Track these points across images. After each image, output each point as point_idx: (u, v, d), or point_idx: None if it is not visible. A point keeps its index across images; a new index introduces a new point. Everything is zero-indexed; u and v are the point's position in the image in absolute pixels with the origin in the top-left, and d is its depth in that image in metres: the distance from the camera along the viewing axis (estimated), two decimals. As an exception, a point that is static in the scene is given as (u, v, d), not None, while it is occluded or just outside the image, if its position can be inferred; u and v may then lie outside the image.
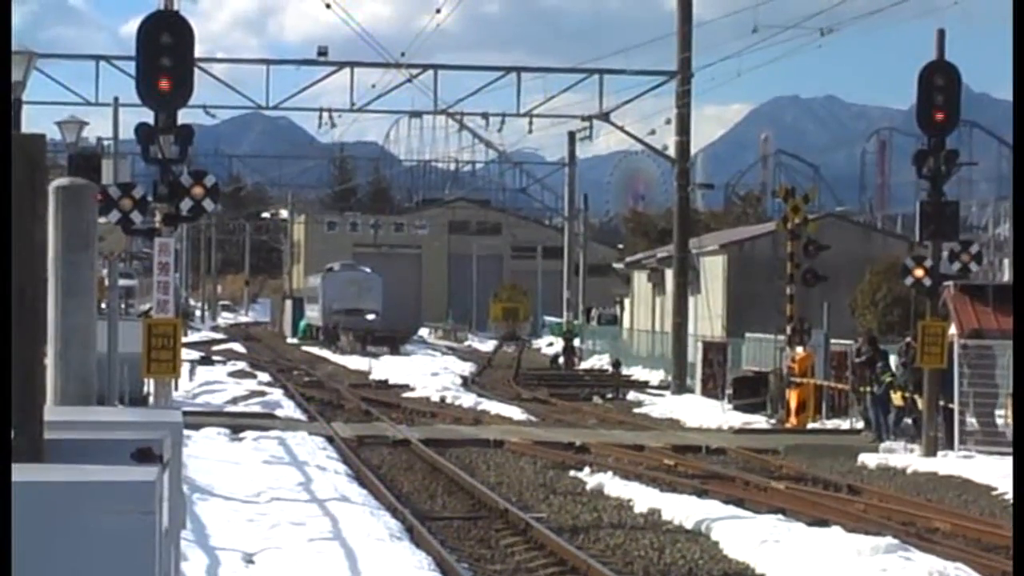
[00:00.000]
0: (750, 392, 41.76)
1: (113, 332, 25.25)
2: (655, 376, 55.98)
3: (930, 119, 30.62)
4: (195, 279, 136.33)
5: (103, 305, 26.11)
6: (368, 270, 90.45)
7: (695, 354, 49.80)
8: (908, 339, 34.15)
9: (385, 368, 60.25)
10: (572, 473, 26.77)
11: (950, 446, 30.57)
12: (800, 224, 41.29)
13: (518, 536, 19.64)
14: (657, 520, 21.18)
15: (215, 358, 64.25)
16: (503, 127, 57.16)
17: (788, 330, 40.35)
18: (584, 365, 66.98)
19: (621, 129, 56.15)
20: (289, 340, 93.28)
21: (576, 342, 69.10)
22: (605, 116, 53.27)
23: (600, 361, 67.52)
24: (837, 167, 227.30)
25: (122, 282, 57.64)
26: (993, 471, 26.45)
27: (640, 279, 79.69)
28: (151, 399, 28.79)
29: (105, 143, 59.92)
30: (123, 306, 53.16)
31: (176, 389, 35.03)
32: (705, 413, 41.10)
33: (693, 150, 55.87)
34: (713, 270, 65.95)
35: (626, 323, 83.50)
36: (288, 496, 21.80)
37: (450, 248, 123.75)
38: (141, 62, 24.44)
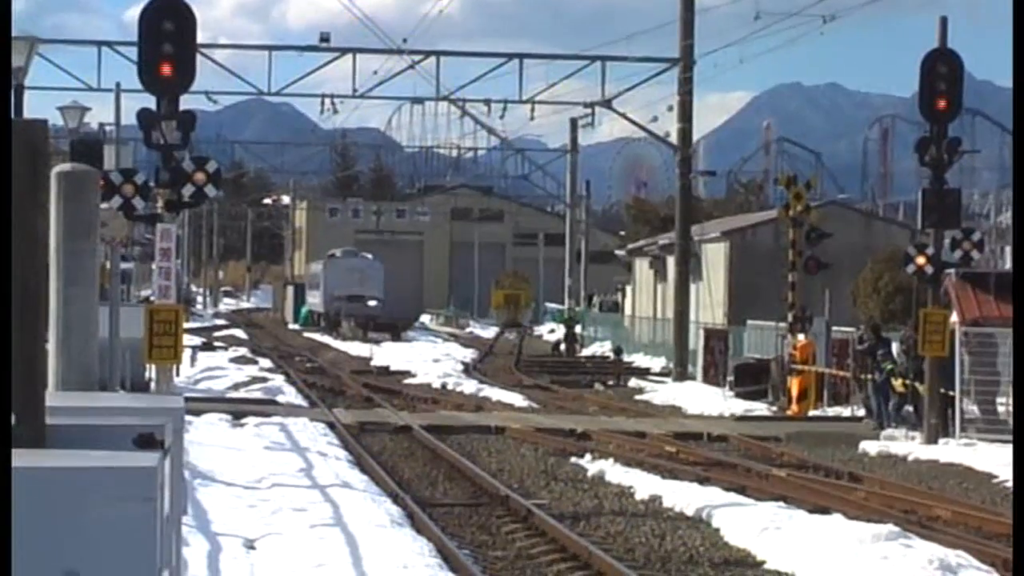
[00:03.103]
0: (751, 380, 41.77)
1: (115, 319, 25.29)
2: (656, 363, 56.00)
3: (932, 107, 30.61)
4: (197, 265, 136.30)
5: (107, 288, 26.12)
6: (370, 257, 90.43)
7: (696, 341, 49.80)
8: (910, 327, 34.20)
9: (386, 355, 60.27)
10: (573, 460, 26.79)
11: (951, 434, 30.58)
12: (802, 212, 41.28)
13: (519, 523, 19.66)
14: (658, 507, 21.20)
15: (216, 344, 64.27)
16: (505, 114, 57.06)
17: (789, 318, 40.36)
18: (585, 352, 67.00)
19: (623, 116, 56.11)
20: (291, 326, 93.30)
21: (577, 329, 69.09)
22: (607, 103, 53.23)
23: (602, 348, 67.55)
24: (839, 155, 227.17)
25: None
26: (994, 459, 26.47)
27: (642, 266, 79.66)
28: (152, 385, 28.81)
29: (107, 129, 59.95)
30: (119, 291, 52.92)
31: (177, 375, 35.06)
32: (706, 400, 41.11)
33: (695, 137, 55.88)
34: (715, 258, 65.94)
35: (627, 310, 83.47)
36: (289, 482, 21.82)
37: (452, 235, 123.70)
38: (143, 48, 24.44)
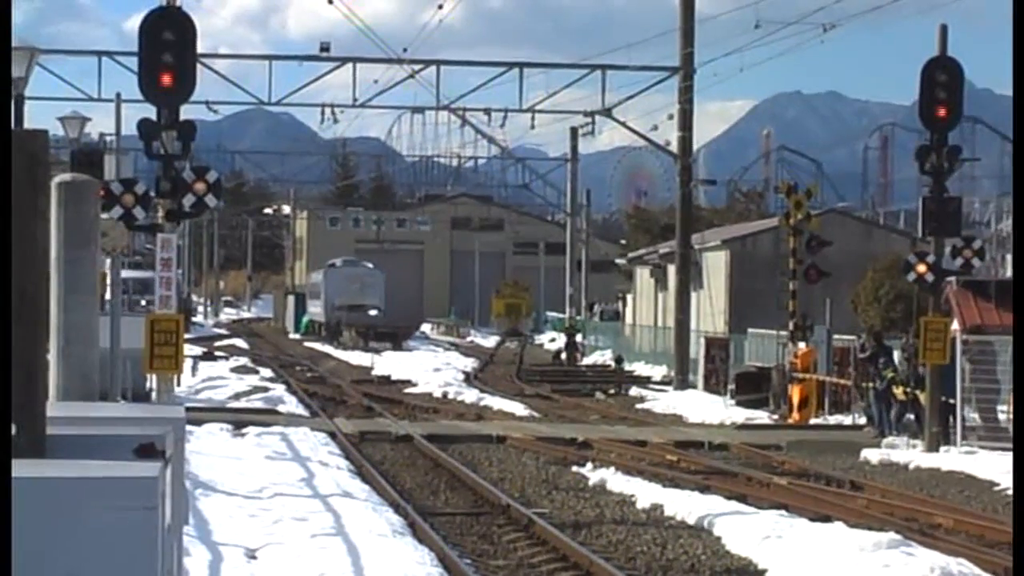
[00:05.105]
0: (752, 388, 41.77)
1: (115, 328, 25.30)
2: (657, 372, 56.00)
3: (932, 115, 30.61)
4: (197, 275, 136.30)
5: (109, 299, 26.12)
6: (370, 266, 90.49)
7: (697, 350, 49.81)
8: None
9: (387, 364, 60.27)
10: (574, 469, 26.78)
11: (952, 442, 30.56)
12: (802, 220, 41.27)
13: (520, 532, 19.65)
14: (659, 516, 21.19)
15: (217, 354, 64.27)
16: (505, 123, 57.22)
17: (790, 326, 40.35)
18: (586, 361, 66.99)
19: (623, 125, 56.20)
20: (291, 336, 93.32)
21: (578, 338, 69.10)
22: (608, 112, 53.26)
23: (602, 357, 67.55)
24: (839, 163, 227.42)
25: (136, 274, 57.30)
26: (995, 467, 26.44)
27: (642, 275, 79.70)
28: (153, 395, 28.80)
29: (107, 139, 59.91)
30: (143, 302, 52.83)
31: (178, 385, 35.03)
32: (707, 409, 41.11)
33: (695, 146, 55.87)
34: (715, 266, 65.96)
35: (628, 319, 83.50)
36: (290, 492, 21.81)
37: (452, 244, 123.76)
38: (143, 58, 24.44)
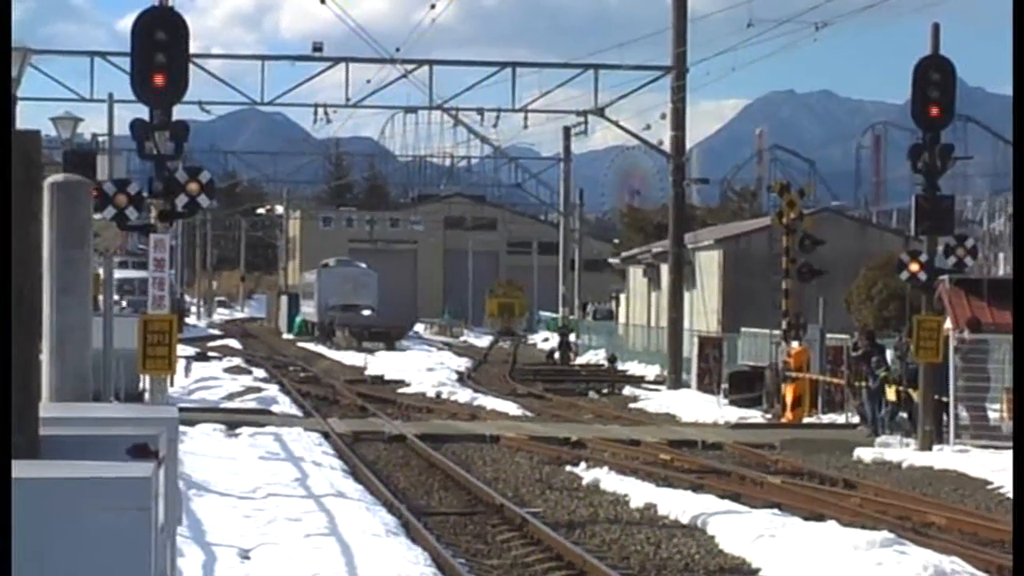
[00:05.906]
0: (746, 387, 41.79)
1: (109, 329, 25.30)
2: (651, 371, 56.01)
3: (925, 114, 30.65)
4: (191, 276, 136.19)
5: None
6: (364, 266, 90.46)
7: (691, 349, 49.82)
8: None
9: (381, 364, 60.24)
10: (568, 468, 26.78)
11: (945, 440, 30.58)
12: (796, 219, 41.29)
13: (514, 531, 19.65)
14: (653, 515, 21.20)
15: (211, 354, 64.21)
16: (498, 122, 57.32)
17: (784, 325, 40.37)
18: (580, 360, 67.00)
19: (616, 124, 56.19)
20: (285, 336, 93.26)
21: (572, 337, 69.08)
22: (600, 111, 53.30)
23: (596, 356, 67.54)
24: (833, 162, 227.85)
25: (141, 275, 57.10)
26: (988, 465, 26.47)
27: (636, 274, 79.73)
28: (147, 395, 28.78)
29: (100, 139, 59.90)
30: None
31: (172, 385, 35.00)
32: (701, 408, 41.12)
33: (688, 145, 55.96)
34: (708, 265, 65.95)
35: (622, 318, 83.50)
36: (284, 492, 21.81)
37: (446, 244, 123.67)
38: (136, 58, 24.44)
